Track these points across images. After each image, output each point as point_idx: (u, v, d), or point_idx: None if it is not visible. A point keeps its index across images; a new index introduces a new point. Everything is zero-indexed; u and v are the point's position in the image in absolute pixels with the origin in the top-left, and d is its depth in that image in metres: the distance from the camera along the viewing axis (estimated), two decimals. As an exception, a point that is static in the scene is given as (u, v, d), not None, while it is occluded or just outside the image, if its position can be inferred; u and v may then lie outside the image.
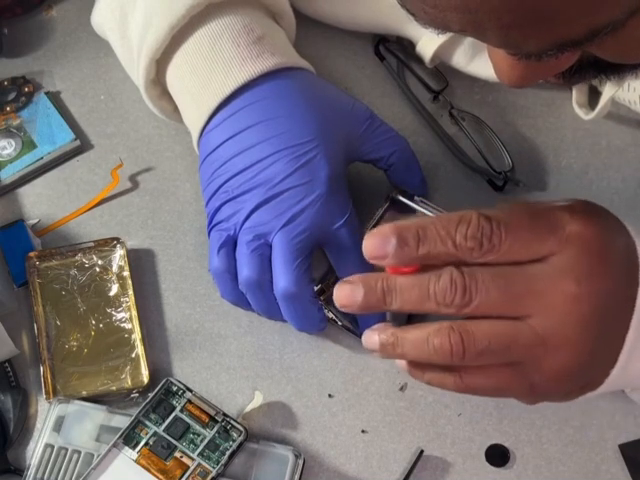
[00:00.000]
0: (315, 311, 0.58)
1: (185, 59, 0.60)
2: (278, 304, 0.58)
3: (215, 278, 0.59)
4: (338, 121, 0.60)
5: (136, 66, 0.62)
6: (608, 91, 0.62)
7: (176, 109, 0.64)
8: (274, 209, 0.57)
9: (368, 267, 0.58)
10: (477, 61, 0.67)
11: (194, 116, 0.61)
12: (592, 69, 0.47)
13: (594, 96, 0.66)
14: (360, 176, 0.65)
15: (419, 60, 0.70)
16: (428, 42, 0.67)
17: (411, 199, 0.63)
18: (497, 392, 0.48)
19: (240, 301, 0.60)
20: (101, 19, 0.66)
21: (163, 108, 0.65)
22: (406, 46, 0.70)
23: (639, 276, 0.46)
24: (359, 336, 0.60)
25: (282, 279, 0.56)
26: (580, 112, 0.67)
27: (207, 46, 0.60)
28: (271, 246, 0.57)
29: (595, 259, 0.45)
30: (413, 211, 0.63)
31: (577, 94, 0.67)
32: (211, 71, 0.59)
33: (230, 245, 0.58)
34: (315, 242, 0.58)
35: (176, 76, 0.61)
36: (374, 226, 0.63)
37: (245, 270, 0.57)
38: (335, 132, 0.59)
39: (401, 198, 0.63)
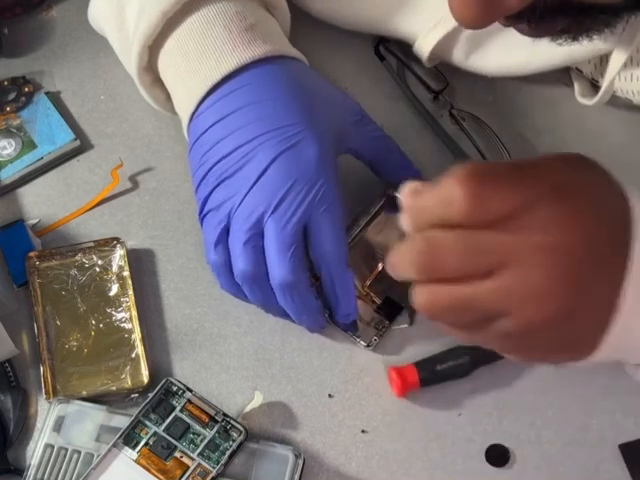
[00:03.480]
0: (312, 299, 0.58)
1: (177, 44, 0.60)
2: (275, 295, 0.58)
3: (214, 270, 0.60)
4: (327, 109, 0.60)
5: (129, 53, 0.62)
6: (610, 72, 0.63)
7: (169, 98, 0.64)
8: (262, 192, 0.56)
9: (340, 256, 0.57)
10: (474, 56, 0.67)
11: (184, 101, 0.61)
12: (560, 14, 0.47)
13: (596, 91, 0.66)
14: (357, 173, 0.65)
15: (419, 60, 0.70)
16: (424, 40, 0.67)
17: None
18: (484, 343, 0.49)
19: (239, 293, 0.59)
20: (97, 13, 0.66)
21: (156, 97, 0.65)
22: (406, 47, 0.70)
23: (630, 238, 0.46)
24: (356, 336, 0.61)
25: (277, 268, 0.56)
26: (584, 100, 0.68)
27: (199, 32, 0.59)
28: (263, 234, 0.57)
29: (566, 212, 0.45)
30: None
31: (579, 87, 0.69)
32: (202, 57, 0.59)
33: (225, 236, 0.58)
34: (304, 226, 0.57)
35: (168, 62, 0.61)
36: (367, 223, 0.63)
37: (240, 263, 0.57)
38: (323, 119, 0.59)
39: (397, 195, 0.63)
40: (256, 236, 0.57)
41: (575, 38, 0.53)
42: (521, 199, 0.44)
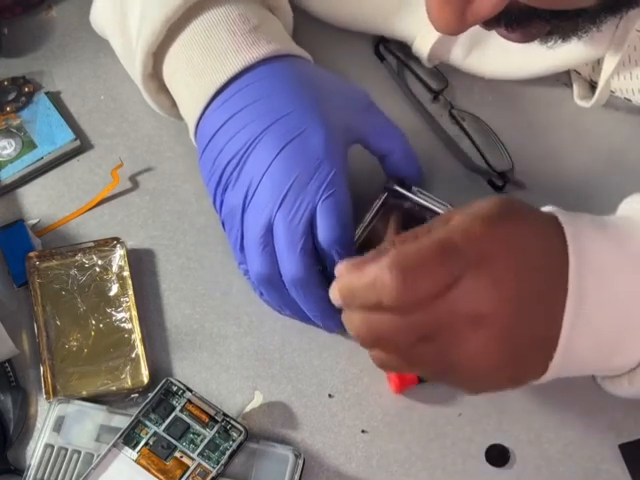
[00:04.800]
0: (326, 294, 0.57)
1: (181, 50, 0.60)
2: (290, 295, 0.58)
3: (245, 277, 0.61)
4: (335, 99, 0.59)
5: (133, 60, 0.62)
6: (605, 73, 0.63)
7: (174, 104, 0.64)
8: (269, 189, 0.56)
9: (346, 242, 0.57)
10: (472, 57, 0.67)
11: (190, 107, 0.60)
12: (536, 18, 0.48)
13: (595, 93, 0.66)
14: (359, 169, 0.65)
15: (419, 60, 0.70)
16: (422, 40, 0.67)
17: (408, 189, 0.62)
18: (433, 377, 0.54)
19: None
20: (99, 17, 0.66)
21: (161, 103, 0.65)
22: (406, 47, 0.71)
23: (568, 275, 0.47)
24: None
25: (288, 263, 0.56)
26: (582, 102, 0.68)
27: (202, 36, 0.59)
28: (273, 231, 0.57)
29: (490, 283, 0.47)
30: (410, 201, 0.62)
31: (578, 88, 0.69)
32: (207, 61, 0.59)
33: (242, 242, 0.58)
34: (311, 218, 0.57)
35: (172, 68, 0.61)
36: (372, 219, 0.62)
37: (254, 266, 0.57)
38: (331, 109, 0.58)
39: (397, 188, 0.62)
40: (267, 235, 0.56)
41: (564, 39, 0.53)
42: (446, 276, 0.46)
